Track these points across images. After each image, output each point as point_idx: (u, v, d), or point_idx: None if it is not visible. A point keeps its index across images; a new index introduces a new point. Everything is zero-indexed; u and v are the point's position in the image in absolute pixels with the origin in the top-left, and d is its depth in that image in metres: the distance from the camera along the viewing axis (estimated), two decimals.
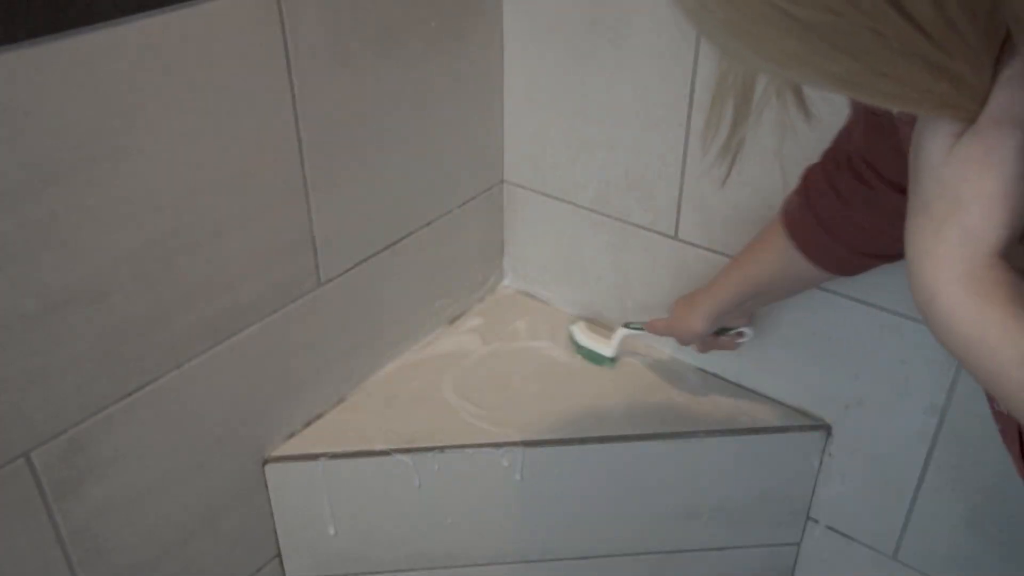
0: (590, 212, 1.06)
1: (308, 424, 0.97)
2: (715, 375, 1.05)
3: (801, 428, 0.97)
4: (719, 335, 0.93)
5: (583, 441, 0.96)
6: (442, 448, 0.94)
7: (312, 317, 0.91)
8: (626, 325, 1.02)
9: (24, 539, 0.71)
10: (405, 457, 0.94)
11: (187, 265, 0.76)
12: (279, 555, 0.99)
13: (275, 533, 0.97)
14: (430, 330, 1.11)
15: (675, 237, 0.99)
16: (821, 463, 0.99)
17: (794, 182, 0.75)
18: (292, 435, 0.95)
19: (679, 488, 0.99)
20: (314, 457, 0.93)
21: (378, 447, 0.94)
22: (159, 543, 0.84)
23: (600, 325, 1.11)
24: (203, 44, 0.70)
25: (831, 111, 0.61)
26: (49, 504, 0.72)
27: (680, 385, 1.04)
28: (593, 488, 0.99)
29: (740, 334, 0.93)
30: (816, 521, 1.03)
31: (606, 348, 1.04)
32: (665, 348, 1.08)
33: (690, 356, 1.06)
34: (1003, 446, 0.52)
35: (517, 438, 0.96)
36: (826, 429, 0.97)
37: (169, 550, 0.85)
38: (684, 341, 0.93)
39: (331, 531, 0.98)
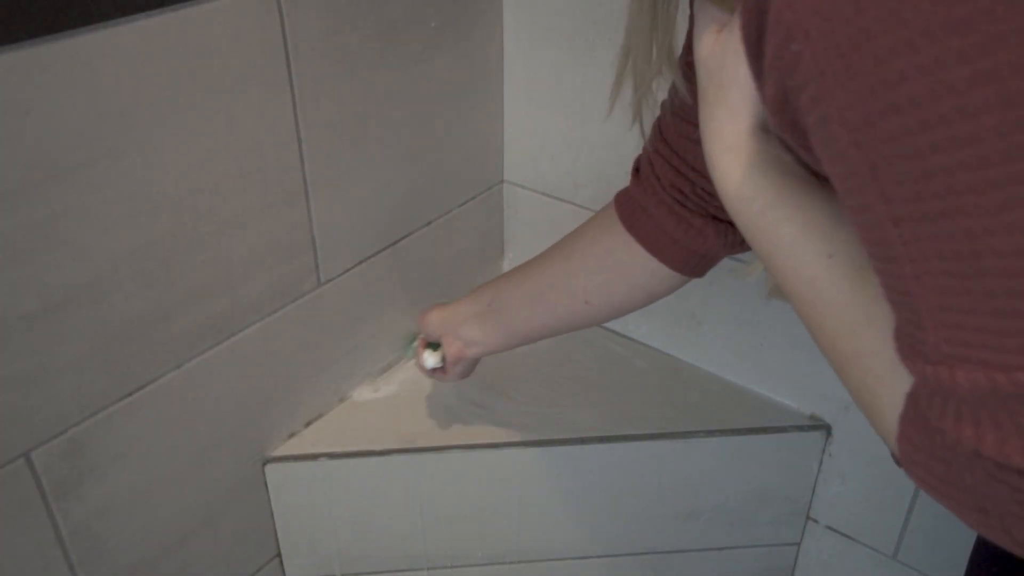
0: (590, 212, 1.05)
1: (308, 424, 0.97)
2: (715, 375, 1.05)
3: (801, 428, 0.97)
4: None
5: (583, 441, 0.96)
6: (442, 448, 0.94)
7: (312, 317, 0.91)
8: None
9: (24, 539, 0.71)
10: (405, 457, 0.94)
11: (187, 265, 0.76)
12: (279, 555, 0.99)
13: (275, 533, 0.97)
14: None
15: None
16: (821, 463, 0.99)
17: None
18: (292, 435, 0.96)
19: (679, 488, 0.99)
20: (314, 457, 0.93)
21: (378, 447, 0.94)
22: (159, 543, 0.84)
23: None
24: (203, 44, 0.70)
25: None
26: (49, 504, 0.72)
27: (680, 385, 1.04)
28: (593, 488, 0.98)
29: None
30: (816, 521, 1.03)
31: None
32: (669, 349, 1.08)
33: (690, 355, 1.06)
34: None
35: (517, 438, 0.96)
36: (826, 429, 0.97)
37: (169, 550, 0.85)
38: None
39: (331, 531, 0.98)
